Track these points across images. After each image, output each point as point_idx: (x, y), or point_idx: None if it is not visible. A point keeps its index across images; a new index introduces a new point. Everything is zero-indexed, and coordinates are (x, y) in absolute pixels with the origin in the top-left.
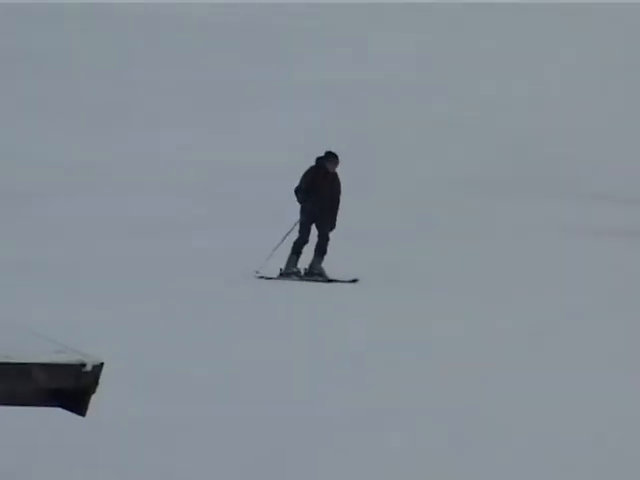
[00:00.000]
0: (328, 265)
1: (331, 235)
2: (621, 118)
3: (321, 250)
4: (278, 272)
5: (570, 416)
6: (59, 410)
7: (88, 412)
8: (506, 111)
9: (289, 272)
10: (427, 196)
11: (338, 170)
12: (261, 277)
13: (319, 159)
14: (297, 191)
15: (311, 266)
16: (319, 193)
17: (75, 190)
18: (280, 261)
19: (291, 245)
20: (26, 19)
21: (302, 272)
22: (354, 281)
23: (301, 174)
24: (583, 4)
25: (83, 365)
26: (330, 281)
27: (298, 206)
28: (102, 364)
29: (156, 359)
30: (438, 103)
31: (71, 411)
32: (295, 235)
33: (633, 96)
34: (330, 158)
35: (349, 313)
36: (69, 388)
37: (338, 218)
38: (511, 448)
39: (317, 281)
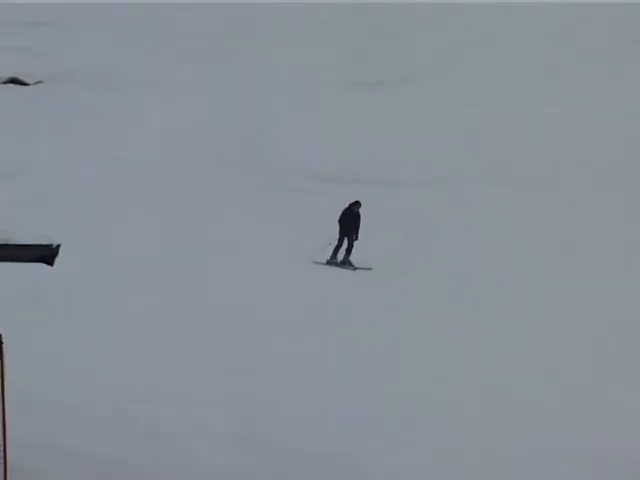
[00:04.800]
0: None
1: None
2: None
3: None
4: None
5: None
6: None
7: None
8: None
9: (332, 262)
10: None
11: None
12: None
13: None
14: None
15: (344, 259)
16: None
17: None
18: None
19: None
20: None
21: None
22: (369, 269)
23: None
24: None
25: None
26: (355, 269)
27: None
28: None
29: None
30: None
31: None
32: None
33: None
34: (357, 204)
35: None
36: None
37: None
38: None
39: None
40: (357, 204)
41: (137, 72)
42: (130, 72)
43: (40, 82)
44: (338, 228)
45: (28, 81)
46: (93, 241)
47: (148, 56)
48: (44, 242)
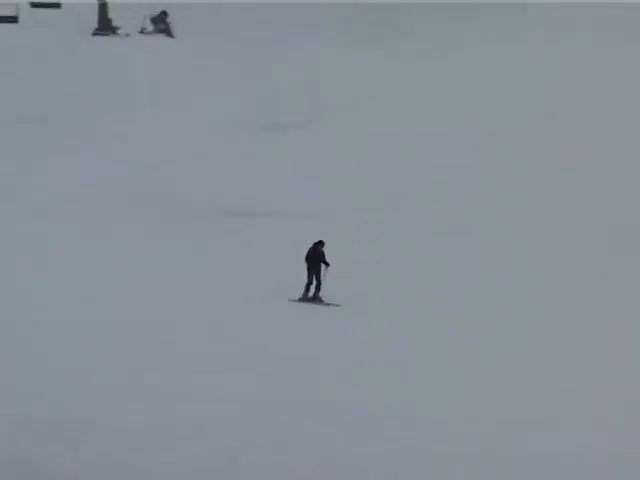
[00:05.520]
0: None
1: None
2: None
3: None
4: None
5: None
6: None
7: None
8: None
9: (304, 299)
10: None
11: None
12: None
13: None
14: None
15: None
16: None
17: None
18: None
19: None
20: None
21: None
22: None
23: None
24: None
25: None
26: (328, 304)
27: None
28: None
29: None
30: None
31: None
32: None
33: None
34: (321, 243)
35: None
36: None
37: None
38: None
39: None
40: (321, 243)
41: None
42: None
43: None
44: (306, 266)
45: None
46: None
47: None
48: None
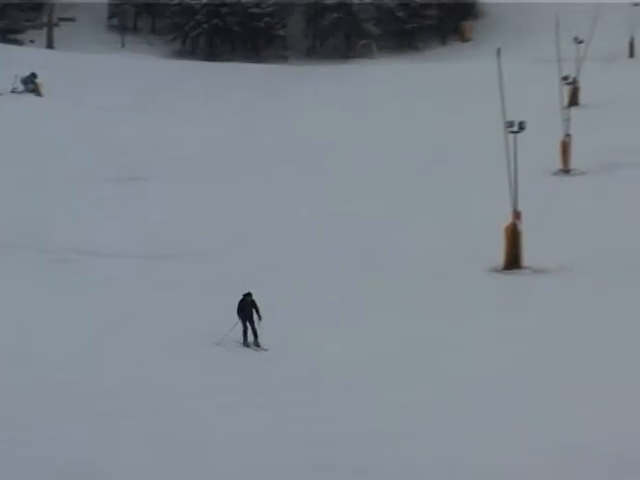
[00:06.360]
0: None
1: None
2: None
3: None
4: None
5: None
6: None
7: None
8: None
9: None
10: None
11: None
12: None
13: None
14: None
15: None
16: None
17: None
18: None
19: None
20: None
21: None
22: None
23: None
24: None
25: None
26: (267, 350)
27: None
28: None
29: None
30: None
31: None
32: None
33: None
34: (249, 295)
35: None
36: None
37: None
38: None
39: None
40: (249, 295)
41: None
42: None
43: None
44: (239, 317)
45: None
46: None
47: None
48: None
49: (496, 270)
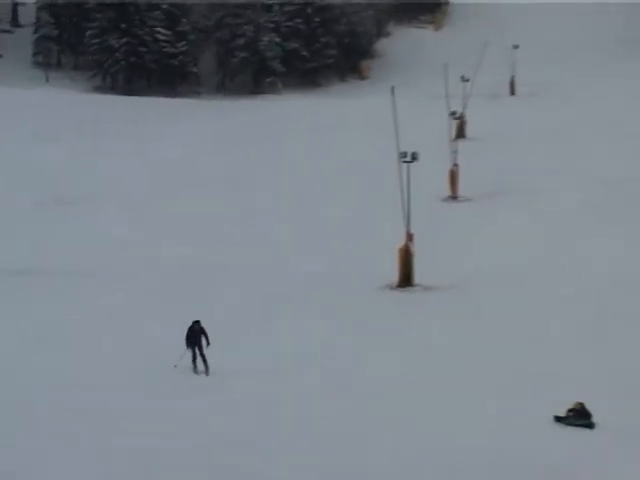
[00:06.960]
0: None
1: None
2: None
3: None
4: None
5: None
6: None
7: None
8: None
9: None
10: None
11: None
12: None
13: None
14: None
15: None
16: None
17: None
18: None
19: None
20: None
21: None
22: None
23: None
24: None
25: None
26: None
27: None
28: None
29: None
30: None
31: None
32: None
33: None
34: (198, 322)
35: None
36: None
37: None
38: None
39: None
40: (198, 322)
41: None
42: None
43: None
44: (186, 344)
45: None
46: None
47: None
48: None
49: (390, 287)
